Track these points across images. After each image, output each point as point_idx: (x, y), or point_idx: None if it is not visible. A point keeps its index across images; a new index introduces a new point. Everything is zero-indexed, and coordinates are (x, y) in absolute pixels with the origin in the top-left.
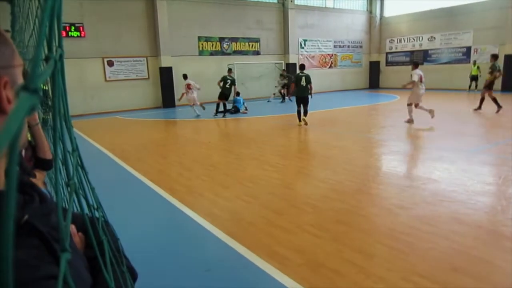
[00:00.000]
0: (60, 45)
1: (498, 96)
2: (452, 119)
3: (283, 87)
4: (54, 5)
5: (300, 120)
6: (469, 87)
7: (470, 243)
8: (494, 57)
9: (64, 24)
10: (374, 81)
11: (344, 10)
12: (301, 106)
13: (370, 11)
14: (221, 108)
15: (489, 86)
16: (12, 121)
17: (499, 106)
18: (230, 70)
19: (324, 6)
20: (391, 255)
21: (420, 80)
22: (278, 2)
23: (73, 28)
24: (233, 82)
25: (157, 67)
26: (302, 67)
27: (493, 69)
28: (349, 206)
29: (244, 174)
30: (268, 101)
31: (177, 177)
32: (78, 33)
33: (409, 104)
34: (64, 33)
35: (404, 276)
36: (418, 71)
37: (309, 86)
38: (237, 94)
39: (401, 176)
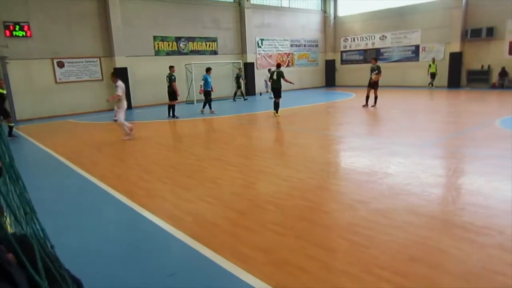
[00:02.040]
0: None
1: (444, 92)
2: (411, 115)
3: (238, 87)
4: None
5: (276, 111)
6: (430, 84)
7: (425, 233)
8: (375, 59)
9: (8, 23)
10: (330, 79)
11: (299, 10)
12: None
13: (324, 11)
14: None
15: (375, 85)
16: None
17: (373, 104)
18: (170, 67)
19: (280, 5)
20: (352, 249)
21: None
22: (234, 1)
23: (17, 27)
24: (169, 79)
25: (111, 68)
26: (278, 65)
27: (379, 70)
28: (311, 203)
29: (206, 175)
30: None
31: (137, 180)
32: (24, 33)
33: (117, 120)
34: (8, 33)
35: (365, 269)
36: (122, 83)
37: (282, 79)
38: (207, 70)
39: (360, 172)
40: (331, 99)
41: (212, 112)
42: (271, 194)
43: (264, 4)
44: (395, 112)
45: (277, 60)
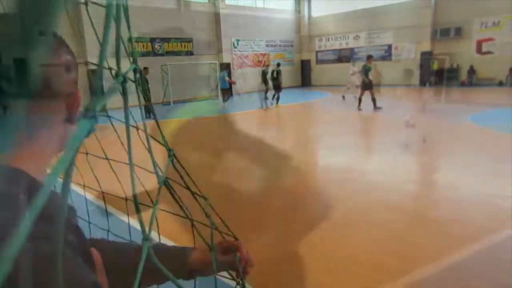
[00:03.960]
0: (134, 60)
1: (417, 90)
2: (385, 113)
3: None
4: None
5: (277, 103)
6: (430, 82)
7: (401, 228)
8: (369, 57)
9: None
10: (306, 79)
11: (274, 10)
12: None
13: (298, 11)
14: None
15: (371, 86)
16: (69, 150)
17: (378, 107)
18: (145, 69)
19: (254, 6)
20: (330, 246)
21: None
22: (209, 1)
23: None
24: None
25: (84, 71)
26: (278, 65)
27: (367, 70)
28: (287, 202)
29: None
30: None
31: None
32: None
33: None
34: None
35: (342, 265)
36: None
37: (279, 77)
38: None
39: (337, 170)
40: (308, 98)
41: (223, 108)
42: (249, 195)
43: (239, 4)
44: (371, 110)
45: (253, 60)
